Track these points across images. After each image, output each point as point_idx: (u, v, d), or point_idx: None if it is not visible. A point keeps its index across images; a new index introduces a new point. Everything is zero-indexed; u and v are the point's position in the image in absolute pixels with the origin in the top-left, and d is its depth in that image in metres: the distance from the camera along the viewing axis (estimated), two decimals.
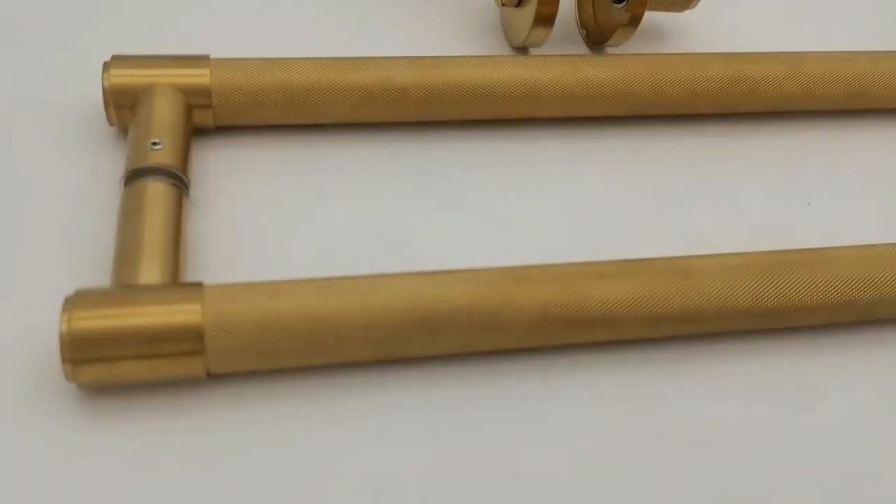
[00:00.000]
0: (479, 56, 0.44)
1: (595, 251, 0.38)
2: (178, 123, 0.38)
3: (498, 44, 0.49)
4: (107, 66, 0.39)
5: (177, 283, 0.33)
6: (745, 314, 0.35)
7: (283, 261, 0.37)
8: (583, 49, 0.50)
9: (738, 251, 0.37)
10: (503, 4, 0.47)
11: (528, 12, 0.45)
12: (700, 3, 0.49)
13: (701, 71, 0.45)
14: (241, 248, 0.37)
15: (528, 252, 0.39)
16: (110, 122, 0.39)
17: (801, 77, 0.46)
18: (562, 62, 0.44)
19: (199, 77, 0.39)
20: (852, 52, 0.48)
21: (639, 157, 0.45)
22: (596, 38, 0.49)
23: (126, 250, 0.33)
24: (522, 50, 0.49)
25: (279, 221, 0.39)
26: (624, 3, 0.46)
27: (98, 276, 0.34)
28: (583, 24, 0.50)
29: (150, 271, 0.32)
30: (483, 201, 0.41)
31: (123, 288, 0.32)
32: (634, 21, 0.46)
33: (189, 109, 0.39)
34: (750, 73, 0.45)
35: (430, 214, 0.40)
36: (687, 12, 0.51)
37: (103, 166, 0.39)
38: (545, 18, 0.45)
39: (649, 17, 0.51)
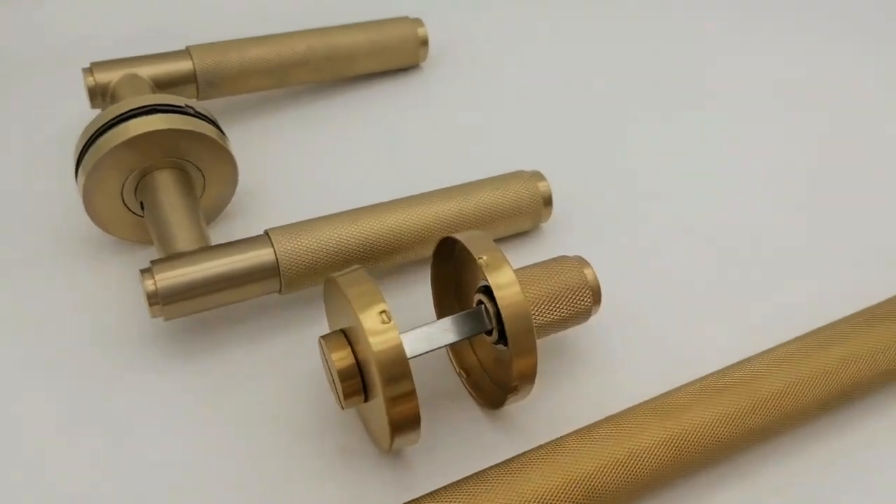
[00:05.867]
0: None
1: None
2: None
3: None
4: None
5: None
6: None
7: None
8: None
9: None
10: (343, 408, 0.33)
11: (381, 412, 0.32)
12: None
13: None
14: None
15: None
16: None
17: None
18: None
19: None
20: None
21: None
22: (479, 382, 0.36)
23: None
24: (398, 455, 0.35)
25: None
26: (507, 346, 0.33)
27: None
28: (460, 366, 0.37)
29: None
30: None
31: None
32: (525, 388, 0.33)
33: None
34: None
35: None
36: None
37: None
38: (404, 423, 0.31)
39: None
